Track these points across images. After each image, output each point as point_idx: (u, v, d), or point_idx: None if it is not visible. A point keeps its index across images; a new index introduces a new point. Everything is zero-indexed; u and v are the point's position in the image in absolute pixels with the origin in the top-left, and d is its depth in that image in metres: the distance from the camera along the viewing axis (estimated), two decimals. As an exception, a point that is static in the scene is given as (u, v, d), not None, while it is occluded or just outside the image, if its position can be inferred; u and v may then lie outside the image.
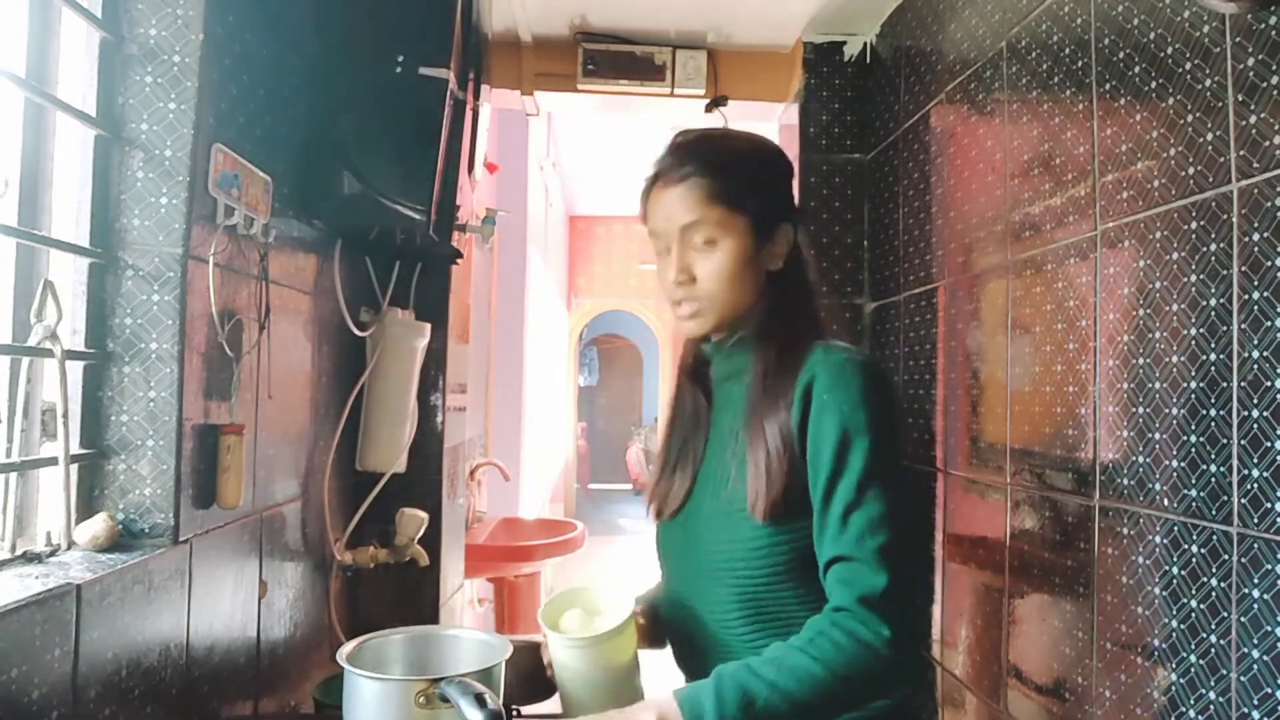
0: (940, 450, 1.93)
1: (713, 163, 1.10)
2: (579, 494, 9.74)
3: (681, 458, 1.19)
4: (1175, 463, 1.14)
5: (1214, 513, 1.06)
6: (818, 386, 1.03)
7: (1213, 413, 1.07)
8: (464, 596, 2.71)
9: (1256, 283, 1.00)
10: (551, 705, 1.41)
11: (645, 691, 1.14)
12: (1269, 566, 0.97)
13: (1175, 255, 1.15)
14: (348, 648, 1.15)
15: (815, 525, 1.03)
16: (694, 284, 1.11)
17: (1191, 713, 1.09)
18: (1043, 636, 1.48)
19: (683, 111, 2.78)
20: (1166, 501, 1.16)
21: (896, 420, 1.08)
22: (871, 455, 1.00)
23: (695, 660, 1.14)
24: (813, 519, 1.03)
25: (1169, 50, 1.17)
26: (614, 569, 7.26)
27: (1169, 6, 1.17)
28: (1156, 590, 1.17)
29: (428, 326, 1.93)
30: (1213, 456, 1.06)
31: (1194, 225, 1.11)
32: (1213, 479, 1.06)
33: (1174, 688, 1.13)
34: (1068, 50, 1.43)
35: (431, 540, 1.99)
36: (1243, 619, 1.01)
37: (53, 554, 1.01)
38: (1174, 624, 1.13)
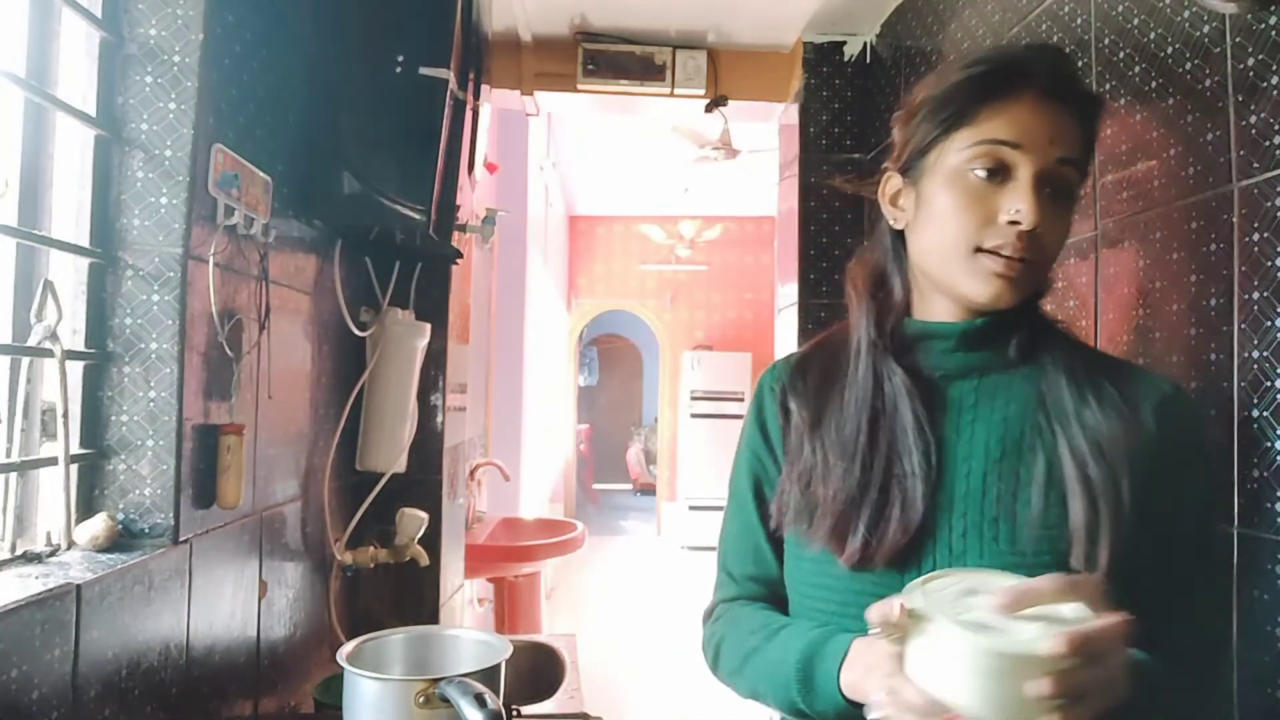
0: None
1: (1098, 100, 0.85)
2: (582, 497, 9.75)
3: (891, 479, 0.83)
4: (1175, 463, 1.14)
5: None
6: (1176, 421, 0.81)
7: (1212, 413, 1.07)
8: (464, 596, 2.71)
9: (1256, 282, 1.00)
10: (552, 705, 1.41)
11: None
12: (1269, 566, 0.97)
13: (1175, 255, 1.15)
14: (348, 648, 1.15)
15: (1150, 597, 0.72)
16: (1034, 235, 0.79)
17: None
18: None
19: (683, 111, 2.78)
20: (1166, 501, 1.16)
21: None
22: (1214, 499, 0.86)
23: None
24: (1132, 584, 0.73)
25: (1169, 50, 1.17)
26: (615, 568, 7.26)
27: (1169, 6, 1.17)
28: (1156, 590, 1.17)
29: (428, 326, 1.93)
30: (1212, 456, 1.06)
31: (1194, 225, 1.11)
32: (1213, 479, 1.06)
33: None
34: (1068, 50, 1.43)
35: (431, 540, 1.99)
36: (1243, 618, 1.00)
37: (53, 554, 1.01)
38: (1174, 624, 1.13)
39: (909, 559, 0.80)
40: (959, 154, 0.82)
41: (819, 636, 0.81)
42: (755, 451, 0.97)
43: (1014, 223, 0.79)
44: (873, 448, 0.84)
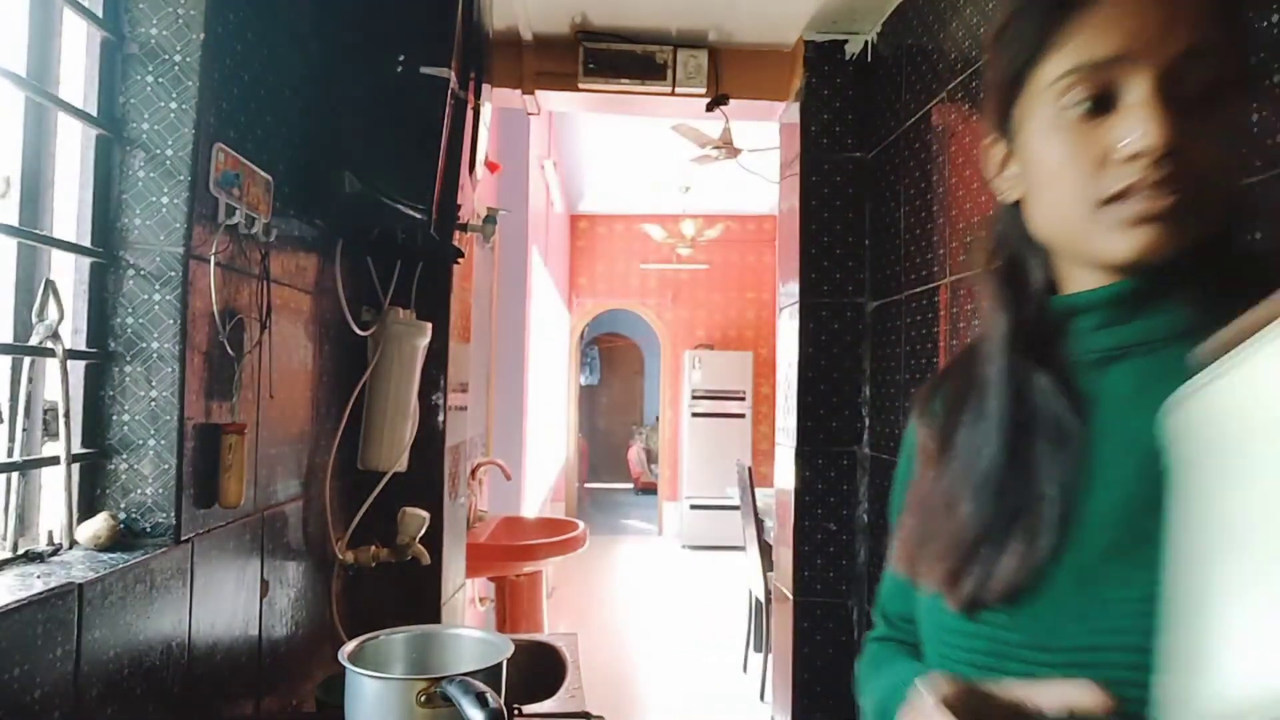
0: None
1: None
2: (582, 495, 9.75)
3: (1021, 502, 0.65)
4: (1177, 461, 1.14)
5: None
6: None
7: (1215, 411, 1.06)
8: (465, 596, 2.72)
9: (1258, 281, 1.00)
10: (552, 705, 1.41)
11: None
12: (1271, 565, 0.97)
13: (1177, 254, 1.15)
14: (349, 647, 1.15)
15: None
16: (1173, 158, 0.58)
17: (1193, 711, 1.09)
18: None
19: (684, 110, 2.78)
20: (1168, 500, 1.15)
21: None
22: None
23: None
24: None
25: (1171, 48, 1.16)
26: (616, 568, 7.26)
27: (1171, 4, 1.16)
28: (1158, 589, 1.17)
29: (429, 326, 1.93)
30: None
31: (1196, 223, 1.11)
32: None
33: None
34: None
35: (433, 539, 1.99)
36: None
37: (54, 553, 1.01)
38: (1176, 623, 1.13)
39: (1024, 592, 0.63)
40: (1049, 91, 0.63)
41: (898, 683, 0.72)
42: (901, 484, 0.83)
43: (1137, 155, 0.58)
44: (1009, 472, 0.66)
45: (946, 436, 0.73)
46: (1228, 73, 0.59)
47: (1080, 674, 0.56)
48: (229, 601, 1.29)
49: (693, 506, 8.01)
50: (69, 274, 1.10)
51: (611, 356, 13.13)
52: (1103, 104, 0.61)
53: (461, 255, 2.00)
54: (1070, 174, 0.62)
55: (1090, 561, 0.61)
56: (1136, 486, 0.60)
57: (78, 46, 1.11)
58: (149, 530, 1.12)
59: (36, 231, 1.04)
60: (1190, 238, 0.60)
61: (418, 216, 1.57)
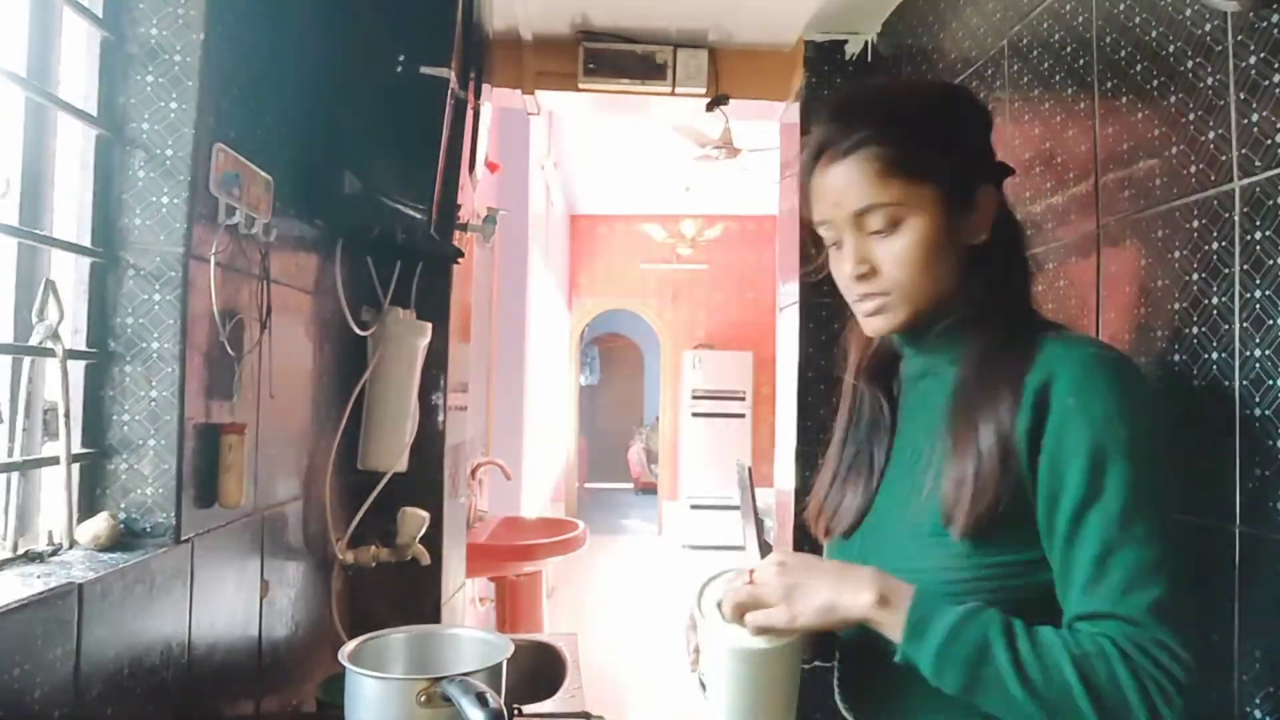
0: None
1: (888, 122, 0.88)
2: (582, 495, 9.74)
3: (855, 468, 1.00)
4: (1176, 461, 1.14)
5: (1215, 511, 1.06)
6: (1058, 389, 0.81)
7: (1214, 411, 1.07)
8: (465, 595, 2.72)
9: (1259, 281, 1.00)
10: (552, 705, 1.41)
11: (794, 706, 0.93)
12: (1271, 565, 0.97)
13: (1177, 254, 1.15)
14: (349, 647, 1.15)
15: (1057, 567, 0.81)
16: (877, 276, 0.90)
17: (1193, 711, 1.09)
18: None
19: (684, 110, 2.78)
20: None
21: (1167, 441, 0.84)
22: (1137, 481, 0.77)
23: (869, 698, 0.95)
24: (1022, 554, 0.83)
25: (1170, 48, 1.16)
26: (616, 568, 7.26)
27: (1170, 4, 1.17)
28: (1158, 589, 1.17)
29: (429, 326, 1.93)
30: (1214, 455, 1.06)
31: (1196, 223, 1.11)
32: (1214, 477, 1.06)
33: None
34: (1069, 48, 1.43)
35: (433, 539, 2.00)
36: (1244, 618, 1.00)
37: (54, 553, 1.01)
38: (1176, 623, 1.13)
39: (854, 527, 0.98)
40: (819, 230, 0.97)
41: None
42: None
43: (853, 278, 0.91)
44: (852, 448, 1.03)
45: (844, 420, 1.07)
46: (903, 210, 0.87)
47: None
48: (229, 601, 1.29)
49: (693, 506, 8.00)
50: (69, 274, 1.10)
51: (611, 356, 13.13)
52: (838, 244, 0.93)
53: (461, 255, 2.00)
54: (838, 280, 0.95)
55: (894, 514, 0.94)
56: (908, 466, 0.94)
57: (78, 46, 1.11)
58: (149, 530, 1.12)
59: (36, 231, 1.04)
60: (904, 323, 0.91)
61: (418, 216, 1.57)
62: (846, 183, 0.89)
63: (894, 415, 1.00)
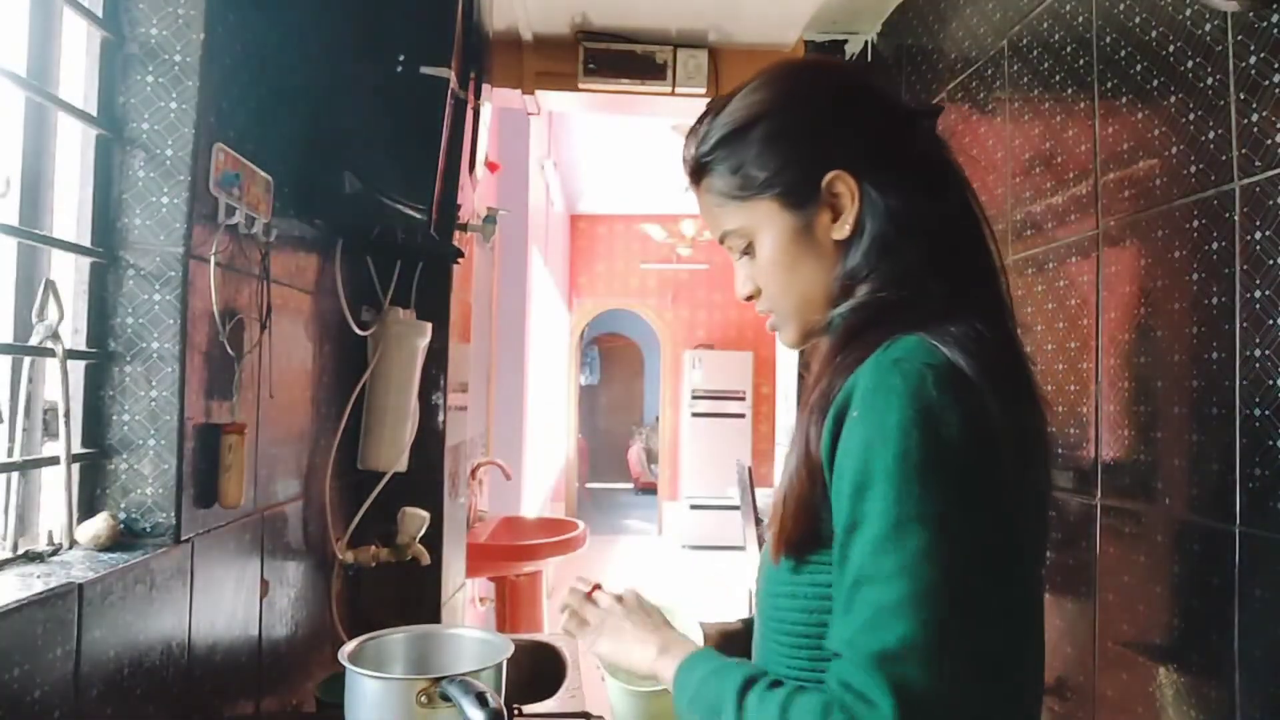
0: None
1: (714, 149, 0.85)
2: (582, 494, 9.74)
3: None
4: (1177, 461, 1.14)
5: (1216, 511, 1.06)
6: (853, 400, 0.73)
7: (1214, 411, 1.07)
8: (465, 595, 2.72)
9: (1259, 281, 1.00)
10: (552, 705, 1.41)
11: None
12: (1271, 565, 0.97)
13: (1177, 253, 1.15)
14: (349, 647, 1.15)
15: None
16: (761, 295, 0.89)
17: (1194, 711, 1.09)
18: (1045, 635, 1.48)
19: (684, 110, 2.78)
20: (1168, 500, 1.16)
21: (973, 454, 0.70)
22: (898, 503, 0.68)
23: None
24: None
25: (1170, 48, 1.16)
26: (616, 568, 7.26)
27: (1170, 5, 1.17)
28: (1158, 589, 1.17)
29: (429, 326, 1.93)
30: (1214, 455, 1.06)
31: (1196, 223, 1.11)
32: (1214, 478, 1.06)
33: (1176, 686, 1.13)
34: (1069, 48, 1.43)
35: (433, 539, 1.99)
36: (1244, 618, 1.00)
37: (54, 553, 1.01)
38: (1176, 623, 1.13)
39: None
40: None
41: None
42: None
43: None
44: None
45: None
46: (749, 232, 0.86)
47: (759, 602, 0.86)
48: (229, 601, 1.29)
49: (693, 506, 8.00)
50: (69, 274, 1.10)
51: (611, 356, 13.13)
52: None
53: (461, 255, 2.00)
54: None
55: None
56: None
57: (78, 46, 1.11)
58: (149, 530, 1.12)
59: (36, 231, 1.04)
60: (799, 334, 0.88)
61: (418, 216, 1.57)
62: (703, 214, 0.90)
63: None
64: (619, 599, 0.96)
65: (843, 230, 0.82)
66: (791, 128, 0.83)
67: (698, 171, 0.88)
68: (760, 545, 1.07)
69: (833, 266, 0.83)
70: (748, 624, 0.99)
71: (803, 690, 0.72)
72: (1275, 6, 0.98)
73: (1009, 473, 0.72)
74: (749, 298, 0.89)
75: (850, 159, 0.81)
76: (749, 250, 0.87)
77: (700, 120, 0.88)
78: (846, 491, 0.71)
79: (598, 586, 1.00)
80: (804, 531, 0.77)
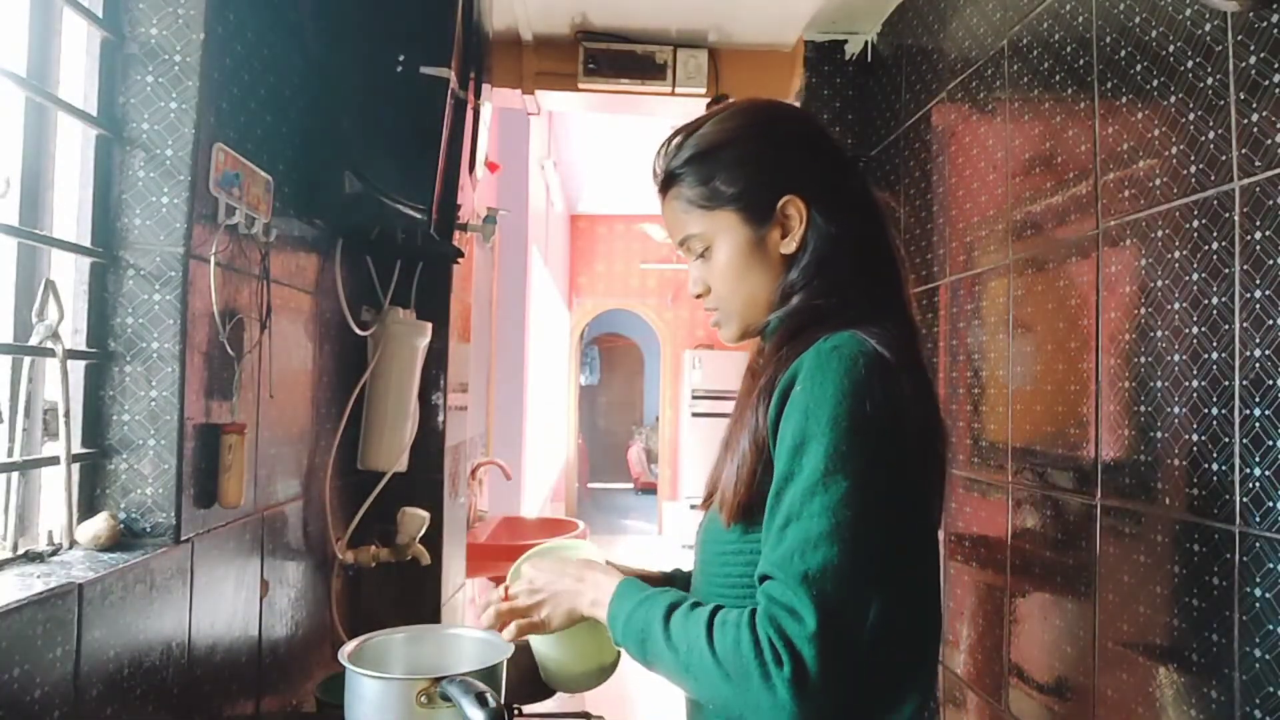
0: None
1: (686, 163, 1.00)
2: (582, 494, 9.73)
3: (728, 447, 1.07)
4: (1177, 461, 1.14)
5: (1216, 511, 1.06)
6: (799, 379, 0.87)
7: (1214, 411, 1.07)
8: (465, 595, 2.72)
9: (1259, 281, 1.00)
10: (552, 705, 1.41)
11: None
12: (1271, 565, 0.97)
13: (1177, 254, 1.15)
14: (349, 647, 1.15)
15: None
16: (710, 293, 1.02)
17: (1194, 711, 1.09)
18: (1044, 635, 1.48)
19: (684, 110, 2.78)
20: (1168, 500, 1.16)
21: (890, 423, 0.85)
22: (827, 458, 0.82)
23: None
24: None
25: (1170, 48, 1.16)
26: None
27: (1170, 5, 1.17)
28: (1158, 589, 1.17)
29: (429, 326, 1.93)
30: (1214, 455, 1.06)
31: (1196, 223, 1.11)
32: (1214, 478, 1.06)
33: (1176, 686, 1.13)
34: (1069, 48, 1.43)
35: (433, 539, 2.00)
36: (1245, 618, 1.00)
37: (54, 553, 1.01)
38: (1176, 623, 1.13)
39: (709, 501, 1.04)
40: None
41: None
42: None
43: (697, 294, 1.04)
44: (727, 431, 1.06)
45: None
46: (708, 238, 0.99)
47: (701, 559, 1.02)
48: (229, 601, 1.29)
49: (693, 506, 7.96)
50: (69, 274, 1.10)
51: (611, 356, 13.13)
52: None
53: (461, 255, 2.00)
54: None
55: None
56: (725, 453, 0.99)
57: (78, 46, 1.11)
58: (149, 530, 1.12)
59: (36, 231, 1.04)
60: (739, 331, 1.03)
61: (418, 216, 1.57)
62: (668, 218, 1.03)
63: None
64: (527, 578, 1.05)
65: (790, 246, 0.97)
66: (758, 154, 0.98)
67: (669, 180, 1.01)
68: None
69: (777, 276, 0.98)
70: (668, 576, 1.16)
71: (723, 609, 0.86)
72: (1275, 6, 0.98)
73: (915, 440, 0.87)
74: (699, 295, 1.03)
75: (803, 187, 0.97)
76: (705, 254, 1.00)
77: (672, 139, 1.02)
78: (787, 448, 0.85)
79: (503, 584, 1.09)
80: (754, 498, 0.90)
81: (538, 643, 1.11)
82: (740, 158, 0.98)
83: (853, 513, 0.81)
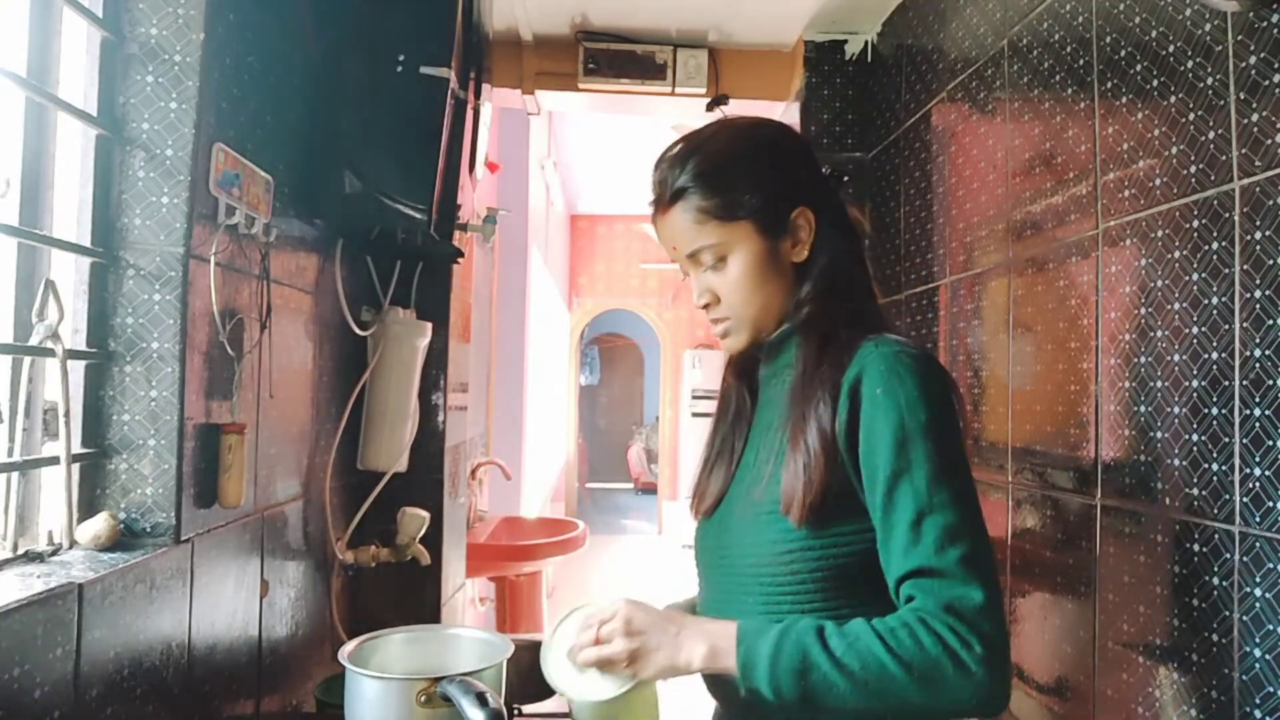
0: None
1: (698, 176, 1.01)
2: (582, 494, 9.73)
3: (720, 454, 1.12)
4: (1177, 461, 1.14)
5: (1216, 511, 1.06)
6: (867, 382, 0.92)
7: (1214, 411, 1.07)
8: (465, 596, 2.72)
9: (1258, 281, 1.00)
10: (552, 705, 1.41)
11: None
12: (1270, 565, 0.97)
13: (1177, 254, 1.15)
14: (349, 647, 1.15)
15: (879, 536, 0.92)
16: (719, 303, 1.04)
17: (1193, 711, 1.09)
18: (1044, 635, 1.48)
19: (684, 110, 2.78)
20: (1168, 500, 1.16)
21: (960, 421, 0.94)
22: (937, 455, 0.88)
23: (723, 678, 0.98)
24: (850, 527, 0.93)
25: (1170, 48, 1.17)
26: (616, 568, 7.26)
27: (1170, 5, 1.17)
28: (1158, 589, 1.17)
29: (429, 325, 1.93)
30: (1214, 455, 1.06)
31: (1196, 224, 1.11)
32: (1214, 478, 1.06)
33: (1176, 686, 1.13)
34: (1069, 48, 1.43)
35: (433, 539, 1.99)
36: (1244, 618, 1.00)
37: (54, 553, 1.01)
38: (1176, 623, 1.13)
39: (715, 509, 1.08)
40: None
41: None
42: None
43: (703, 305, 1.06)
44: (715, 436, 1.14)
45: (716, 412, 1.18)
46: (724, 249, 1.01)
47: (738, 563, 1.00)
48: (229, 601, 1.29)
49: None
50: (69, 274, 1.10)
51: (611, 356, 13.13)
52: (684, 273, 1.06)
53: (461, 255, 2.00)
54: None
55: (742, 495, 1.03)
56: (755, 456, 1.04)
57: (78, 46, 1.11)
58: (149, 530, 1.12)
59: (36, 231, 1.04)
60: (749, 340, 1.05)
61: (418, 216, 1.57)
62: (675, 230, 1.03)
63: (754, 408, 1.11)
64: (624, 619, 0.96)
65: (801, 254, 1.02)
66: (771, 168, 1.02)
67: (679, 192, 1.01)
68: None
69: (789, 285, 1.03)
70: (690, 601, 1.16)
71: (869, 620, 0.88)
72: (1275, 6, 0.98)
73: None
74: (705, 305, 1.05)
75: (810, 199, 1.02)
76: (718, 264, 1.02)
77: (674, 151, 1.04)
78: (888, 445, 0.90)
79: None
80: (824, 498, 0.92)
81: (583, 705, 1.05)
82: (758, 170, 1.01)
83: (970, 500, 0.89)
